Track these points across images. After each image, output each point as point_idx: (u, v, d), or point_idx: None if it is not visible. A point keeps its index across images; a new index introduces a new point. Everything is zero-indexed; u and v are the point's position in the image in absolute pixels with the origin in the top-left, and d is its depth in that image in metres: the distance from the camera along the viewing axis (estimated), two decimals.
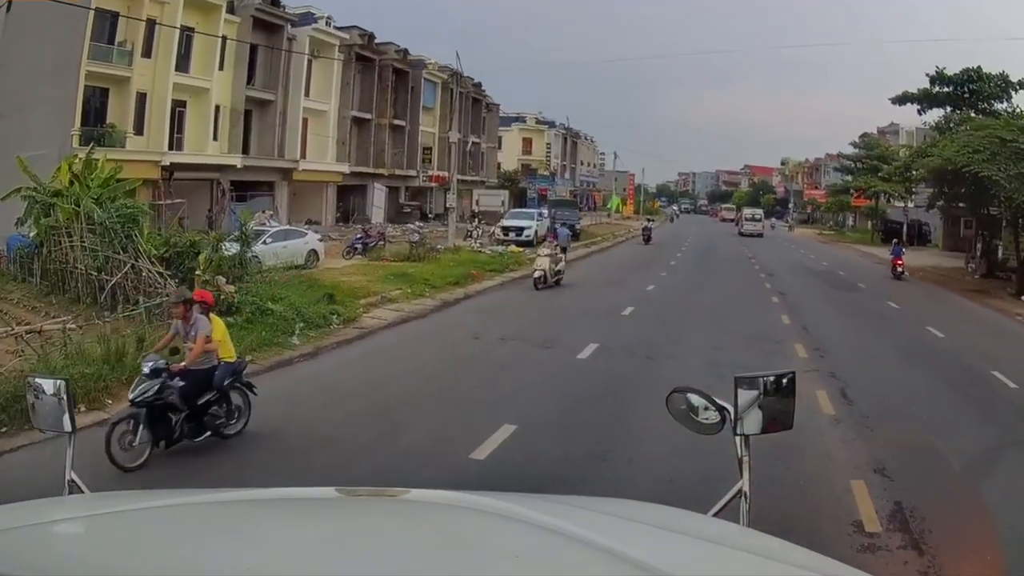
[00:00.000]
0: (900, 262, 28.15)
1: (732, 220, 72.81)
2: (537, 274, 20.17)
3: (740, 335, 14.39)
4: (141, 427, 6.85)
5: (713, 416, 2.28)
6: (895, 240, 32.32)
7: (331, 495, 2.00)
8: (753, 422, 2.16)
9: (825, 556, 1.63)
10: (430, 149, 48.78)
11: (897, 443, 7.99)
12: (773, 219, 72.43)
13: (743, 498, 2.12)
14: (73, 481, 2.17)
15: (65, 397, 2.28)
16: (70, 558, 1.49)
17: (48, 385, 2.31)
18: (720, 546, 1.70)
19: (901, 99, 33.82)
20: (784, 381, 2.22)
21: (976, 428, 8.78)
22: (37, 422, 2.44)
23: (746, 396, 2.17)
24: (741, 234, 55.63)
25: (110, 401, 8.83)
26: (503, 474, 6.71)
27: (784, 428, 2.23)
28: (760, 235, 55.15)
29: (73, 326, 10.03)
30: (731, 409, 2.20)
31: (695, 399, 2.32)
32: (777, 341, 14.10)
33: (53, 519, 1.75)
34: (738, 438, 2.19)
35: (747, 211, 65.14)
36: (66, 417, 2.27)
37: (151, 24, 28.78)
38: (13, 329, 9.80)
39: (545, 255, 20.62)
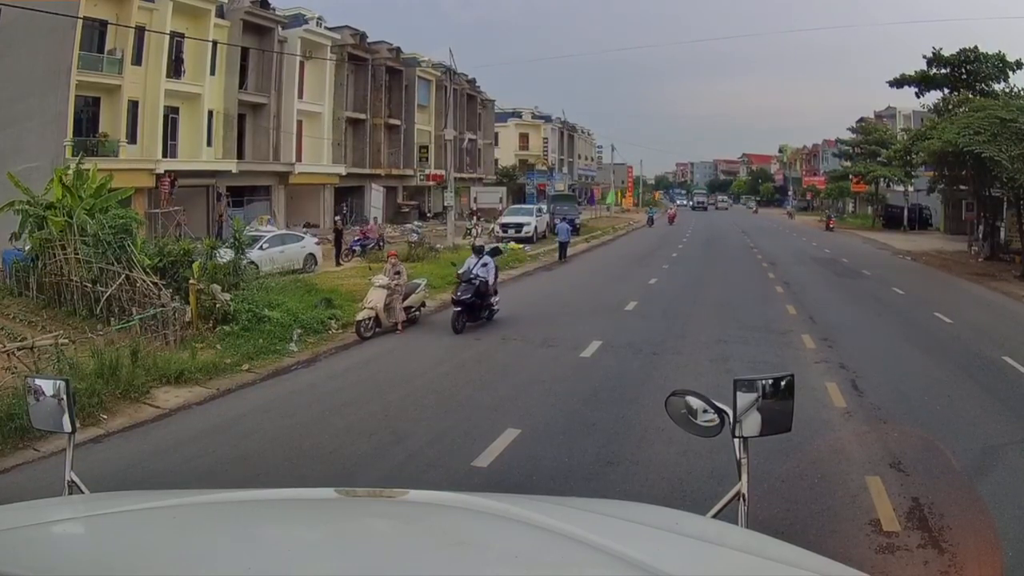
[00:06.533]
0: (832, 222, 51.88)
1: (710, 202, 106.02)
2: (363, 315, 13.16)
3: (746, 327, 14.22)
4: None
5: (712, 419, 2.28)
6: (828, 212, 58.91)
7: (330, 496, 2.04)
8: (752, 424, 2.17)
9: (822, 556, 1.62)
10: (426, 148, 48.57)
11: (911, 436, 7.80)
12: (736, 202, 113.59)
13: (741, 500, 2.13)
14: (73, 481, 2.16)
15: (65, 398, 2.26)
16: (70, 558, 1.50)
17: (48, 386, 2.29)
18: (719, 547, 1.71)
19: (899, 82, 33.56)
20: (783, 383, 2.22)
21: (991, 417, 8.57)
22: (36, 423, 2.41)
23: (745, 399, 2.17)
24: (717, 208, 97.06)
25: (105, 416, 8.67)
26: (507, 483, 6.51)
27: (783, 431, 2.23)
28: (727, 209, 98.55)
29: (65, 340, 9.84)
30: (730, 412, 2.20)
31: (694, 402, 2.32)
32: (784, 332, 13.91)
33: (53, 519, 1.76)
34: (737, 440, 2.19)
35: (720, 196, 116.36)
36: (66, 417, 2.25)
37: (140, 31, 28.59)
38: (5, 347, 9.61)
39: (380, 285, 13.45)
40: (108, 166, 20.35)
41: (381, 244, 27.12)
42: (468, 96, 55.79)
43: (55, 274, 14.52)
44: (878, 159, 51.28)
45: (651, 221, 57.31)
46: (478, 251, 14.76)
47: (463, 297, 13.65)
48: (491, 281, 14.17)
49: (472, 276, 13.91)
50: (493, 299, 14.42)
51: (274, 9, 36.80)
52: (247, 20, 34.07)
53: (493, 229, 34.67)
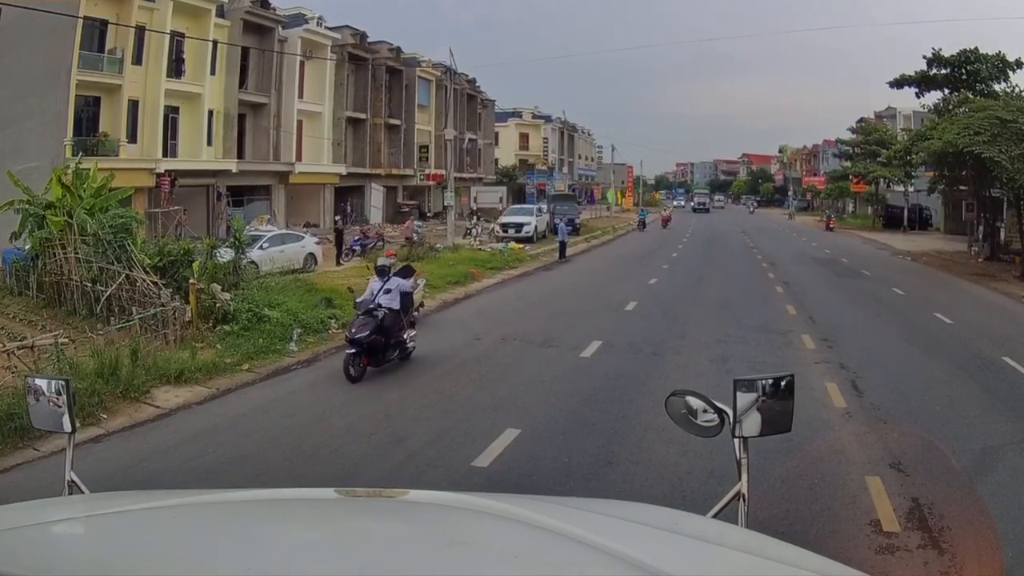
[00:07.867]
0: (832, 223, 51.58)
1: (708, 200, 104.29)
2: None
3: (746, 327, 14.22)
4: None
5: (712, 419, 2.28)
6: (828, 212, 59.04)
7: (330, 496, 2.03)
8: (752, 424, 2.17)
9: (822, 556, 1.62)
10: (426, 147, 48.56)
11: (911, 436, 7.80)
12: (736, 202, 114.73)
13: (741, 500, 2.13)
14: (73, 481, 2.16)
15: (65, 397, 2.26)
16: (70, 558, 1.50)
17: (48, 386, 2.29)
18: (719, 547, 1.71)
19: (899, 82, 33.49)
20: (783, 383, 2.22)
21: (991, 417, 8.58)
22: (36, 422, 2.41)
23: (745, 399, 2.17)
24: (714, 208, 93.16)
25: (105, 416, 8.67)
26: (507, 483, 6.51)
27: (783, 431, 2.22)
28: (723, 207, 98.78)
29: (65, 340, 9.84)
30: (730, 412, 2.20)
31: (694, 402, 2.32)
32: (784, 332, 13.91)
33: (53, 519, 1.76)
34: (737, 440, 2.18)
35: (716, 196, 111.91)
36: (66, 417, 2.25)
37: (140, 31, 28.58)
38: (4, 346, 9.61)
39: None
40: (108, 166, 20.32)
41: (381, 243, 27.09)
42: (468, 96, 55.77)
43: (55, 274, 14.52)
44: (878, 159, 51.25)
45: (642, 224, 50.67)
46: (381, 272, 10.94)
47: (359, 335, 10.10)
48: (409, 308, 11.22)
49: (373, 306, 10.52)
50: (406, 335, 10.98)
51: (274, 9, 36.78)
52: (247, 20, 34.07)
53: (493, 229, 34.70)
